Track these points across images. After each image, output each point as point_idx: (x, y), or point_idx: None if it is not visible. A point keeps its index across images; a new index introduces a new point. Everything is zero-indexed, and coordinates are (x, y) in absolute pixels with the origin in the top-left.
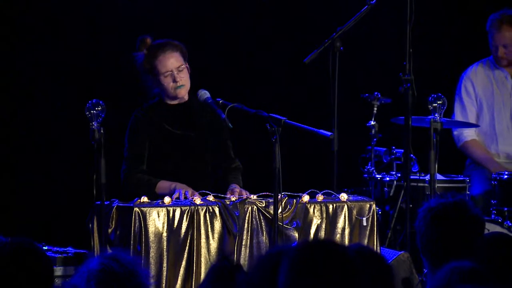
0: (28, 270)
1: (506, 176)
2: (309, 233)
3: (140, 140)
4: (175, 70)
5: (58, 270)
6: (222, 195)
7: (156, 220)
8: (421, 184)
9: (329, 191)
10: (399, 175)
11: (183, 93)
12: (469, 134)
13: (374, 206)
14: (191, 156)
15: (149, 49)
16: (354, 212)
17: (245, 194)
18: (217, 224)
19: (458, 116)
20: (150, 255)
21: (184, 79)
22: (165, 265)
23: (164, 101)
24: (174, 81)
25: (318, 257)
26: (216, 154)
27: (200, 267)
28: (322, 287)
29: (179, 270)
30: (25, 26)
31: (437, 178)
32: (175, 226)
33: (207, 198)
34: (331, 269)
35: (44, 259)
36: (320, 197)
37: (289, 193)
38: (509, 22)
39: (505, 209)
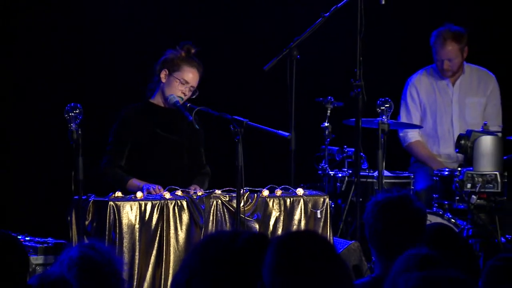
0: (3, 260)
1: (446, 173)
2: (269, 224)
3: (125, 138)
4: (190, 86)
5: (39, 259)
6: (189, 190)
7: (129, 213)
8: (370, 180)
9: (287, 186)
10: (350, 171)
11: (176, 104)
12: (413, 136)
13: (327, 200)
14: (172, 158)
15: (187, 55)
16: (310, 205)
17: (200, 193)
18: (185, 217)
19: (404, 120)
20: (124, 245)
21: (187, 97)
22: (137, 254)
23: (153, 101)
24: (183, 92)
25: (303, 246)
26: (189, 158)
27: (169, 256)
28: (309, 276)
29: (150, 258)
30: (8, 29)
31: (385, 174)
32: (146, 218)
33: (176, 193)
34: (317, 258)
35: (20, 250)
36: (278, 192)
37: (250, 188)
38: (451, 38)
39: (445, 202)
